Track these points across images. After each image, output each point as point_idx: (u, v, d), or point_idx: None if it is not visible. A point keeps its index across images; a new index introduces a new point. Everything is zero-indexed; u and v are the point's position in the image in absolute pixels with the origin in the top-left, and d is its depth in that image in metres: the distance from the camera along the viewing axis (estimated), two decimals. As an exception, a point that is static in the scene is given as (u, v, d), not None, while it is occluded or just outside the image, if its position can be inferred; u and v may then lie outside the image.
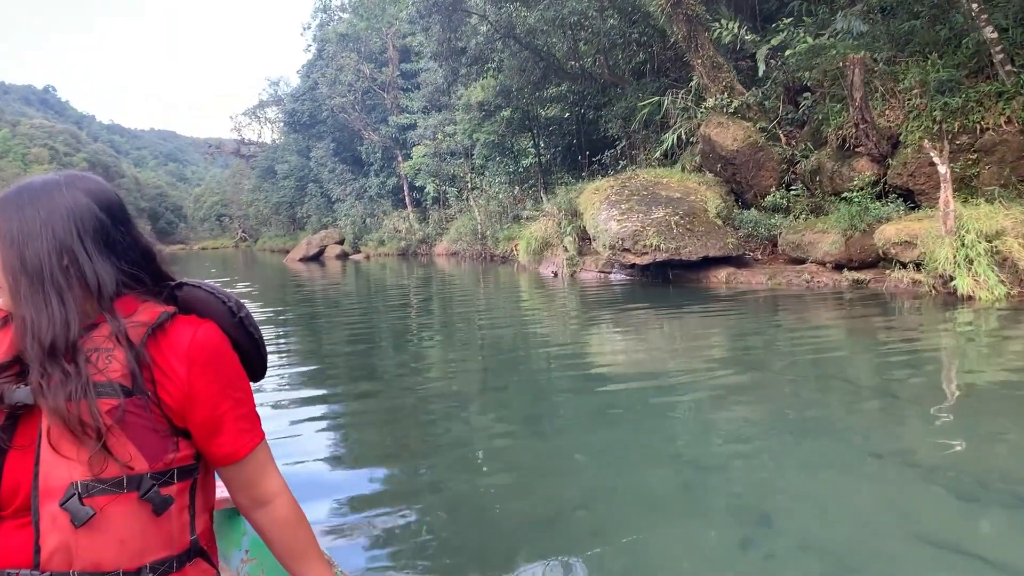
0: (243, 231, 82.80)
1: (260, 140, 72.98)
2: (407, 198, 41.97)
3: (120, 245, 1.33)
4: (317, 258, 42.74)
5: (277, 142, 67.24)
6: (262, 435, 1.39)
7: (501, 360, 8.37)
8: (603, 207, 15.68)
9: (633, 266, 15.25)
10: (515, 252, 25.61)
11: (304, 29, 53.58)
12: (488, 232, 30.01)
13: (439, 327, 11.68)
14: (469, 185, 34.20)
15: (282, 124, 61.96)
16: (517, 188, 30.12)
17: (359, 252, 42.29)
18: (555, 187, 23.52)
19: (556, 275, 18.47)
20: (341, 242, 44.35)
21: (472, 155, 33.86)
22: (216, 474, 1.42)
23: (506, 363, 8.16)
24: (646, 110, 18.15)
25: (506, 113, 27.14)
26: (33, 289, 1.24)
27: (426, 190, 38.90)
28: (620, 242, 14.80)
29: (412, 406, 6.18)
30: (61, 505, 1.18)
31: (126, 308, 1.30)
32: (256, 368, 1.44)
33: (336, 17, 49.08)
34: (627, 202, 15.33)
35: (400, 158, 41.60)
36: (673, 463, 4.43)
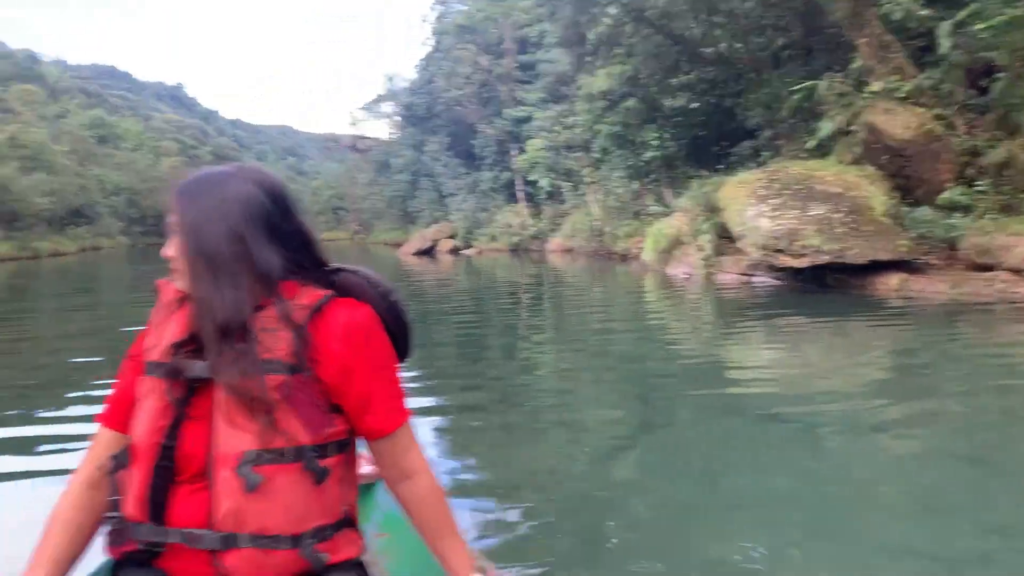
0: (358, 224, 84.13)
1: (376, 135, 73.78)
2: (520, 193, 41.10)
3: (285, 232, 1.38)
4: (430, 252, 42.38)
5: (392, 137, 67.73)
6: (408, 413, 1.45)
7: (622, 371, 7.48)
8: (751, 202, 14.11)
9: (784, 269, 13.62)
10: (637, 250, 24.30)
11: (423, 22, 53.49)
12: (607, 229, 28.74)
13: (551, 329, 11.00)
14: (587, 179, 32.95)
15: (398, 119, 62.33)
16: (637, 183, 28.71)
17: (471, 247, 41.69)
18: (680, 181, 22.00)
19: (688, 277, 16.99)
20: (453, 236, 43.88)
21: (591, 148, 32.59)
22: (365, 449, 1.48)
23: (627, 374, 7.27)
24: (798, 96, 16.37)
25: (630, 103, 25.71)
26: (209, 272, 1.31)
27: (540, 184, 37.88)
28: (773, 241, 13.22)
29: (520, 418, 5.55)
30: (235, 471, 1.27)
31: (289, 291, 1.36)
32: (403, 350, 1.50)
33: (454, 9, 48.73)
34: (778, 197, 13.71)
35: (514, 152, 40.76)
36: (813, 506, 3.62)
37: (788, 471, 4.13)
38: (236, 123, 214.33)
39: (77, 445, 4.69)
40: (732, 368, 7.45)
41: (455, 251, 41.98)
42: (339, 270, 1.48)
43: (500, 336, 10.25)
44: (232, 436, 1.29)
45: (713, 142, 23.61)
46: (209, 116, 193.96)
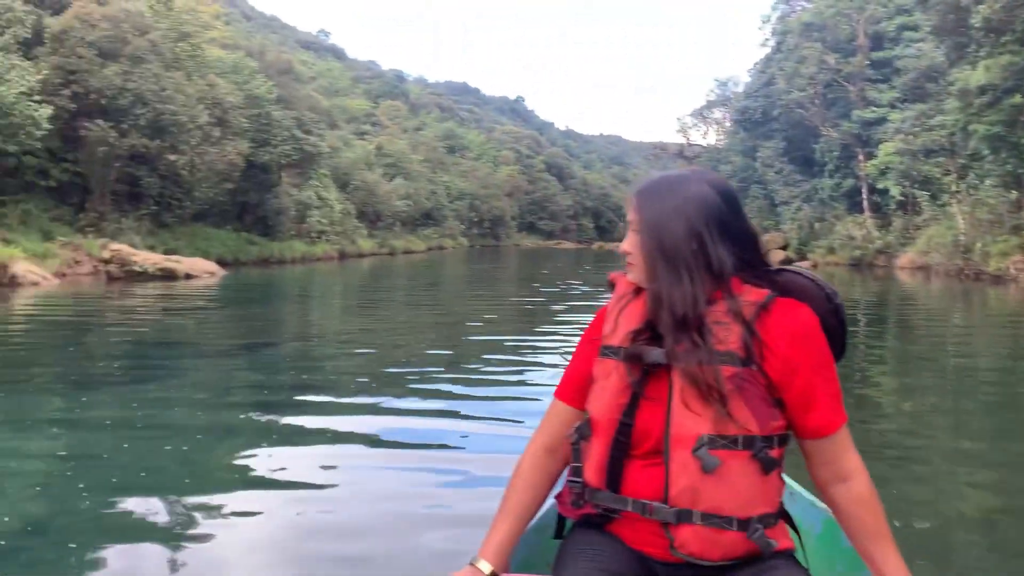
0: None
1: (705, 142, 72.39)
2: (865, 202, 37.54)
3: (735, 232, 1.44)
4: (759, 263, 40.24)
5: (721, 143, 65.97)
6: (846, 416, 1.44)
7: (989, 421, 6.01)
8: None
9: None
10: (1015, 271, 20.74)
11: (763, 22, 51.19)
12: (976, 244, 24.97)
13: (897, 360, 9.35)
14: (950, 187, 29.00)
15: (729, 124, 60.51)
16: (1016, 192, 24.62)
17: (805, 259, 38.93)
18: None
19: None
20: (785, 247, 41.35)
21: (958, 152, 28.59)
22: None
23: (998, 427, 5.76)
24: None
25: (1017, 99, 21.96)
26: (668, 268, 1.41)
27: (890, 193, 34.19)
28: None
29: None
30: (692, 452, 1.35)
31: (735, 288, 1.41)
32: (838, 351, 1.48)
33: (798, 7, 45.94)
34: None
35: (861, 157, 37.27)
36: None
37: None
38: (568, 133, 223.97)
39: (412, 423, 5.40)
40: None
41: (787, 263, 39.40)
42: (781, 270, 1.51)
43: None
44: (688, 419, 1.36)
45: None
46: (544, 127, 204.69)
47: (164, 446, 4.66)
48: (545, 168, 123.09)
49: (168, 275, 21.65)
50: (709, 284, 1.40)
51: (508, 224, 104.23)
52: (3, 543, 3.18)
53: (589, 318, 1.63)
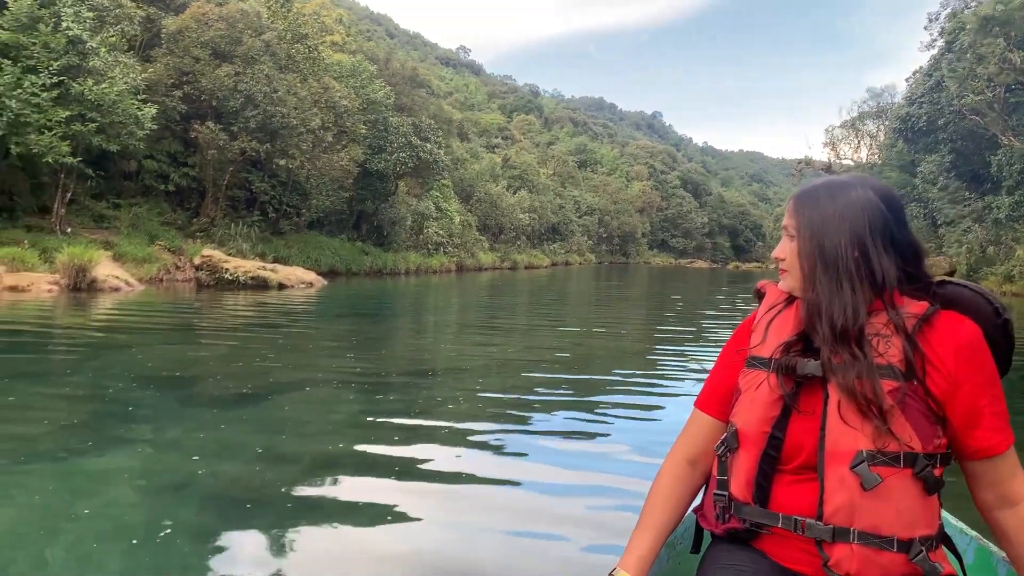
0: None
1: (856, 156, 66.89)
2: (1054, 223, 32.31)
3: (898, 241, 1.40)
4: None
5: (875, 158, 60.57)
6: (1013, 436, 1.40)
7: None
8: None
9: None
10: None
11: (930, 21, 45.98)
12: None
13: None
14: None
15: (883, 137, 55.44)
16: None
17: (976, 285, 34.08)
18: None
19: None
20: (951, 272, 36.47)
21: None
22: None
23: None
24: None
25: None
26: (827, 276, 1.37)
27: (1089, 213, 29.13)
28: None
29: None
30: (851, 468, 1.30)
31: (896, 300, 1.38)
32: (1003, 368, 1.44)
33: (973, 1, 40.80)
34: None
35: (1050, 171, 32.17)
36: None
37: None
38: (706, 149, 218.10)
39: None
40: None
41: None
42: (944, 283, 1.46)
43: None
44: (846, 434, 1.32)
45: None
46: (680, 142, 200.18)
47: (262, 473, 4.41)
48: (680, 184, 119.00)
49: (261, 284, 20.39)
50: (869, 294, 1.37)
51: (639, 241, 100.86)
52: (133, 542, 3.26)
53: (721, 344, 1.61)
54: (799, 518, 1.34)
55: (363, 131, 31.61)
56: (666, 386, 7.88)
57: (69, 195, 21.80)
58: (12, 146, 18.56)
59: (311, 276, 22.99)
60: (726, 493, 1.43)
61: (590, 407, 6.58)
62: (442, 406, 6.52)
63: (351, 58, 35.33)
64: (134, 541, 3.34)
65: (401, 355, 10.44)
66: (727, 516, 1.43)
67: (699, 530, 1.56)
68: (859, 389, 1.30)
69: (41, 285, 15.87)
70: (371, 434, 5.38)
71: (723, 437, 1.45)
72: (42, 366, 8.06)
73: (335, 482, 4.32)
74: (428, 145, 34.80)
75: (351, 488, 4.22)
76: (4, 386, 6.80)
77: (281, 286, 20.76)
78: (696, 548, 1.57)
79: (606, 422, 6.02)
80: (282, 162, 26.81)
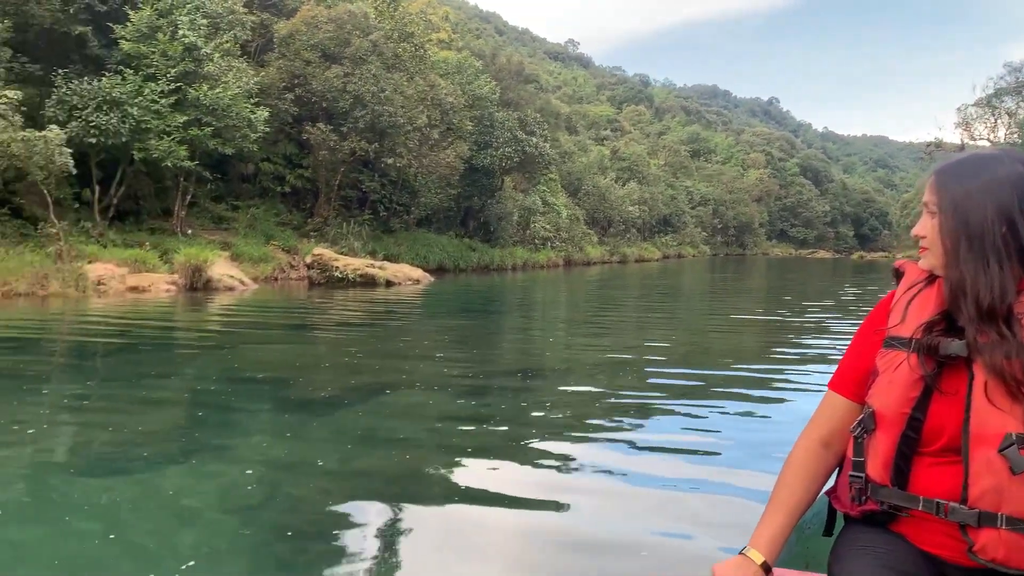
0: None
1: (993, 137, 62.31)
2: None
3: None
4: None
5: (1015, 137, 56.21)
6: None
7: None
8: None
9: None
10: None
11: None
12: None
13: None
14: None
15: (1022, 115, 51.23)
16: None
17: None
18: None
19: None
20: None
21: None
22: None
23: None
24: None
25: None
26: (972, 253, 1.32)
27: None
28: None
29: None
30: (999, 451, 1.26)
31: None
32: None
33: None
34: None
35: None
36: None
37: None
38: (826, 134, 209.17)
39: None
40: None
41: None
42: None
43: None
44: (993, 416, 1.27)
45: None
46: (799, 128, 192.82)
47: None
48: (799, 171, 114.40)
49: (369, 281, 20.64)
50: (1018, 271, 1.31)
51: (756, 231, 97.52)
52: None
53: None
54: (941, 501, 1.31)
55: (469, 127, 31.64)
56: (789, 380, 7.66)
57: (189, 198, 22.72)
58: (135, 152, 19.43)
59: (418, 273, 23.14)
60: (863, 475, 1.40)
61: (707, 401, 6.45)
62: (553, 409, 6.32)
63: (457, 55, 35.40)
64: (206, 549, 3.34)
65: (507, 353, 10.18)
66: (864, 498, 1.40)
67: (831, 513, 1.55)
68: (1008, 370, 1.26)
69: (160, 285, 16.52)
70: (473, 436, 5.30)
71: (859, 418, 1.42)
72: (139, 368, 8.20)
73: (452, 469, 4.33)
74: (533, 139, 34.53)
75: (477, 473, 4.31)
76: (105, 388, 6.89)
77: (388, 283, 20.97)
78: (828, 531, 1.56)
79: (724, 417, 5.89)
80: (390, 161, 27.13)
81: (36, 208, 18.18)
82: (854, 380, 1.47)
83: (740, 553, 1.42)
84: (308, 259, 21.65)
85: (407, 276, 22.24)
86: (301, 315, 14.05)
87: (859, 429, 1.41)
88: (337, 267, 20.81)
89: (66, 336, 10.68)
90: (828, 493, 1.54)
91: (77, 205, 20.09)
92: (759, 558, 1.40)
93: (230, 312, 13.88)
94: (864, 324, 1.52)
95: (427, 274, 24.12)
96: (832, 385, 1.52)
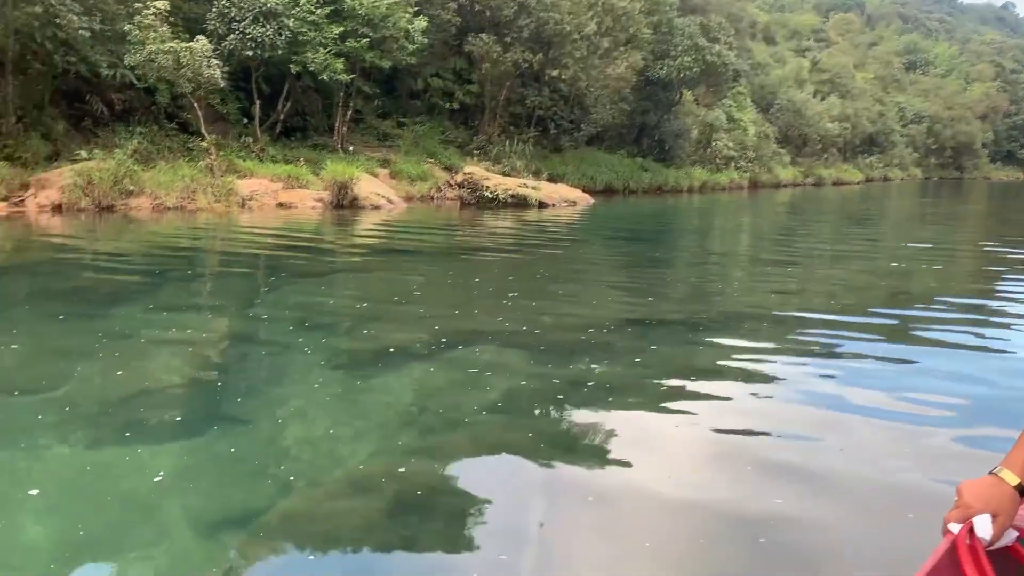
0: None
1: None
2: None
3: None
4: None
5: None
6: None
7: None
8: None
9: None
10: None
11: None
12: None
13: None
14: None
15: None
16: None
17: None
18: None
19: None
20: None
21: None
22: None
23: None
24: None
25: None
26: None
27: None
28: None
29: None
30: None
31: None
32: None
33: None
34: None
35: None
36: None
37: None
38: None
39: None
40: None
41: None
42: None
43: None
44: None
45: None
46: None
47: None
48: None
49: (521, 202, 19.48)
50: None
51: (977, 152, 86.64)
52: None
53: None
54: None
55: (647, 35, 29.21)
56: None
57: (350, 114, 22.39)
58: (292, 65, 19.14)
59: (576, 194, 21.71)
60: None
61: (913, 346, 5.83)
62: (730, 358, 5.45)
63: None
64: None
65: (674, 289, 8.76)
66: None
67: None
68: None
69: (307, 202, 16.25)
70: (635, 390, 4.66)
71: None
72: (211, 298, 7.53)
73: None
74: (716, 47, 31.35)
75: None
76: (175, 315, 6.30)
77: (542, 204, 19.71)
78: None
79: (939, 360, 5.34)
80: (555, 72, 25.52)
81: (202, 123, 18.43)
82: None
83: (991, 473, 1.33)
84: (459, 178, 20.79)
85: (563, 197, 20.87)
86: (434, 238, 13.16)
87: None
88: (487, 187, 19.78)
89: (155, 253, 10.38)
90: None
91: (246, 121, 20.28)
92: (1014, 480, 1.31)
93: (364, 233, 13.26)
94: None
95: (587, 195, 22.62)
96: None
